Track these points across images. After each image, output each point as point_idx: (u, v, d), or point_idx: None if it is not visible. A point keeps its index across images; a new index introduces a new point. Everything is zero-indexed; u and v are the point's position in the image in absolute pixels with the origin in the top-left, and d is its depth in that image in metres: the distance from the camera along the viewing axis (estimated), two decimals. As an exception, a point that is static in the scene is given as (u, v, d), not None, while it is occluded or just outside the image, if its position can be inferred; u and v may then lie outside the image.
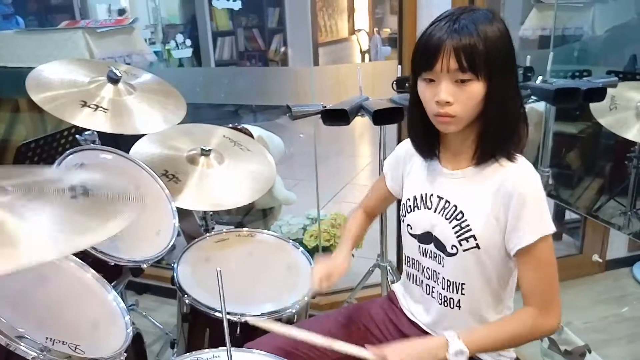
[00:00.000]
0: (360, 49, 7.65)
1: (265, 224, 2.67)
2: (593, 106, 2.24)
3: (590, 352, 1.64)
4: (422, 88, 1.05)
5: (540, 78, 2.00)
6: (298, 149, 3.64)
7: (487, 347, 1.08)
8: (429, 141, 1.15)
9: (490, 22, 0.99)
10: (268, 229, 2.49)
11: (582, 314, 2.26)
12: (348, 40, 7.70)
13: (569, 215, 2.82)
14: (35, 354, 0.90)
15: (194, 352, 1.17)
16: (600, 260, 2.48)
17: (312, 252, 2.26)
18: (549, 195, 2.50)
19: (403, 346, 1.05)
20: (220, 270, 0.78)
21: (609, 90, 2.00)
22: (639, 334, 2.14)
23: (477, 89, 1.00)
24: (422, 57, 1.02)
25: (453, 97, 1.00)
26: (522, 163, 1.07)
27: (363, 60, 7.48)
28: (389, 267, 2.00)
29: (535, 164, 2.53)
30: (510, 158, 1.07)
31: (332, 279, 1.21)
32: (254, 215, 2.67)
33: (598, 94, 1.78)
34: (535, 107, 2.58)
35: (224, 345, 1.20)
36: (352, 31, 7.79)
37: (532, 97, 1.86)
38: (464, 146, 1.10)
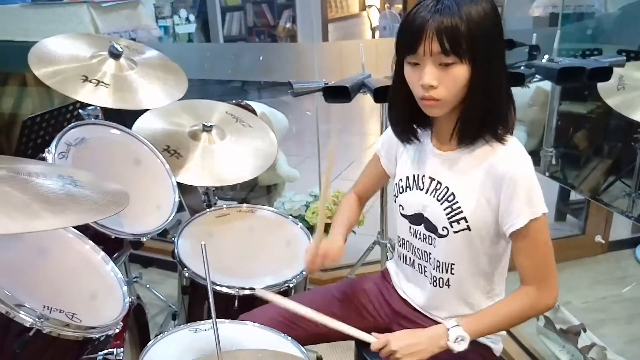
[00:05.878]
0: (371, 25, 7.54)
1: (269, 200, 2.69)
2: (600, 86, 2.20)
3: (585, 331, 1.66)
4: (408, 71, 1.04)
5: (546, 57, 1.96)
6: (305, 126, 3.62)
7: (487, 330, 1.08)
8: (411, 123, 1.14)
9: (476, 1, 0.97)
10: (271, 206, 2.51)
11: (581, 293, 2.27)
12: (359, 16, 7.60)
13: (574, 195, 2.80)
14: (33, 321, 0.93)
15: (193, 323, 1.20)
16: (603, 242, 2.48)
17: (314, 228, 2.28)
18: (551, 176, 2.49)
19: (405, 333, 1.08)
20: (205, 245, 0.80)
21: (618, 70, 1.96)
22: (637, 314, 2.15)
23: (461, 72, 0.98)
24: (406, 41, 1.00)
25: (437, 80, 0.99)
26: (512, 144, 1.06)
27: (373, 36, 7.38)
28: (388, 245, 2.02)
29: (540, 144, 2.52)
30: (500, 140, 1.05)
31: (325, 260, 1.20)
32: (258, 192, 2.69)
33: (604, 73, 1.75)
34: (542, 87, 2.55)
35: (221, 317, 1.25)
36: (363, 7, 7.69)
37: (537, 76, 1.83)
38: (451, 128, 1.09)
